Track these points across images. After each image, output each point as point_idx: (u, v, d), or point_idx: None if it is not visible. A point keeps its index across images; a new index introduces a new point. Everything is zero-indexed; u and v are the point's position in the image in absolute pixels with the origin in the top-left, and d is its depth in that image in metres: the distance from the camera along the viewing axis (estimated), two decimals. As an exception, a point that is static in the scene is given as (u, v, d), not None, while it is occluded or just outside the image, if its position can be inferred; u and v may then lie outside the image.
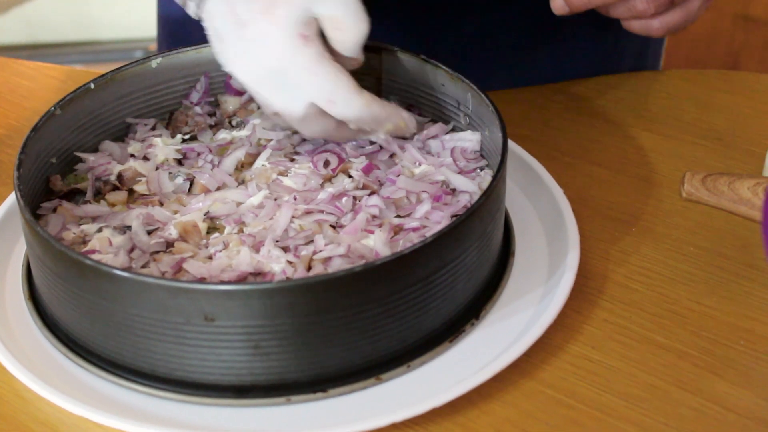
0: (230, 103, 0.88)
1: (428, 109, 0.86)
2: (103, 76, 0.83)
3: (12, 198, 0.83)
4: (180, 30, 1.10)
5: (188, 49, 0.87)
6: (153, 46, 1.67)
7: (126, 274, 0.63)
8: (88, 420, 0.65)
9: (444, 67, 0.82)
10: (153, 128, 0.85)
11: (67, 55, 1.81)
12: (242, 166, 0.81)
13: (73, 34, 1.83)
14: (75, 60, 1.81)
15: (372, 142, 0.82)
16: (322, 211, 0.75)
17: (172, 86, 0.87)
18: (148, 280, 0.62)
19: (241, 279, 0.69)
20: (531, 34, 1.05)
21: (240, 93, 0.88)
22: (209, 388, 0.66)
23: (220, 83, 0.89)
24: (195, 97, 0.88)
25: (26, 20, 1.83)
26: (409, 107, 0.87)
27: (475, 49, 1.05)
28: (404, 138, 0.82)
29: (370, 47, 0.86)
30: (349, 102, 0.75)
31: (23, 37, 1.84)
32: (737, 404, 0.67)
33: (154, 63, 0.85)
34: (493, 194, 0.70)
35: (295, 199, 0.76)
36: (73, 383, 0.68)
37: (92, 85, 0.82)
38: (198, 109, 0.87)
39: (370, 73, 0.87)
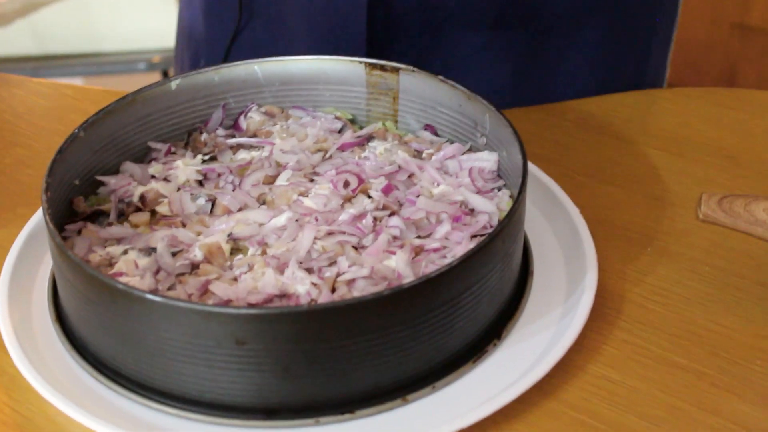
0: (252, 122, 0.89)
1: (445, 129, 0.87)
2: (123, 98, 0.84)
3: (34, 219, 0.83)
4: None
5: (206, 69, 0.88)
6: (157, 58, 1.68)
7: (158, 299, 0.64)
8: (120, 442, 0.66)
9: (461, 88, 0.83)
10: (171, 152, 0.86)
11: (72, 66, 1.82)
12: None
13: (78, 46, 1.84)
14: (79, 72, 1.82)
15: (391, 163, 0.84)
16: (344, 233, 0.76)
17: (191, 107, 0.88)
18: (180, 304, 0.63)
19: (267, 301, 0.70)
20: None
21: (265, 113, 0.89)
22: (239, 410, 0.67)
23: (237, 108, 0.89)
24: (212, 126, 0.89)
25: (31, 31, 1.84)
26: (425, 127, 0.88)
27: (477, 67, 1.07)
28: (422, 159, 0.83)
29: (387, 67, 0.87)
30: None
31: (28, 48, 1.85)
32: (757, 425, 0.68)
33: (174, 84, 0.86)
34: (515, 215, 0.71)
35: (316, 220, 0.77)
36: (104, 406, 0.68)
37: (113, 107, 0.83)
38: (219, 130, 0.88)
39: (387, 93, 0.88)
